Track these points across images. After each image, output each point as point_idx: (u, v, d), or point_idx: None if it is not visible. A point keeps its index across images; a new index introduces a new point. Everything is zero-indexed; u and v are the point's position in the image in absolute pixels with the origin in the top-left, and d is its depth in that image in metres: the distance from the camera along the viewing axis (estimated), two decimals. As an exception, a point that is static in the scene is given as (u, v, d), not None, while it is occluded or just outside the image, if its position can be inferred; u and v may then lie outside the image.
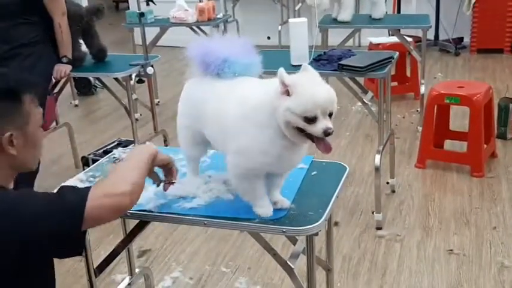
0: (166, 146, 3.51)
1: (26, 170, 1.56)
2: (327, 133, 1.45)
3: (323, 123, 1.44)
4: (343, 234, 3.11)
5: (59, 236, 1.37)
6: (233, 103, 1.57)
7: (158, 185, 1.70)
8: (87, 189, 1.43)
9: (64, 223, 1.37)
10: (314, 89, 1.46)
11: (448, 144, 4.02)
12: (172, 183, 1.68)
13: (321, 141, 1.48)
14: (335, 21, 4.51)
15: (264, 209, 1.62)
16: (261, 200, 1.63)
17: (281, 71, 1.47)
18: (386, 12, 4.65)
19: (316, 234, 1.63)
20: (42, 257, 1.44)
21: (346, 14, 4.43)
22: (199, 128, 1.72)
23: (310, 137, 1.48)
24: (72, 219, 1.38)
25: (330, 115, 1.47)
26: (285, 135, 1.48)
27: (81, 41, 3.85)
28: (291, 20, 3.24)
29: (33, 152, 1.56)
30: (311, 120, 1.44)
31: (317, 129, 1.44)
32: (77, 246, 1.45)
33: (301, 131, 1.47)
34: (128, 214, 1.71)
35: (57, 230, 1.36)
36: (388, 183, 3.54)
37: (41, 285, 1.51)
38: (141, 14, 3.87)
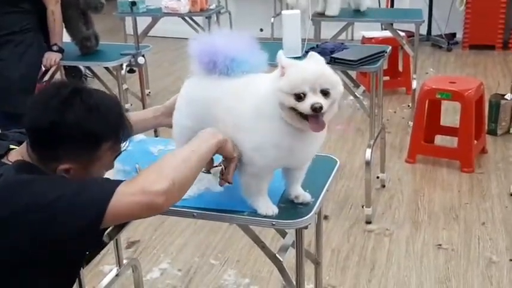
0: (157, 136, 3.49)
1: None
2: (314, 108, 1.39)
3: (311, 99, 1.40)
4: (332, 227, 3.11)
5: (76, 232, 1.33)
6: (247, 100, 1.53)
7: (207, 172, 1.62)
8: (118, 182, 1.37)
9: (82, 218, 1.32)
10: (305, 66, 1.44)
11: (439, 140, 4.03)
12: (229, 183, 1.57)
13: (314, 119, 1.42)
14: (323, 15, 4.48)
15: (268, 209, 1.59)
16: (263, 200, 1.60)
17: (280, 53, 1.44)
18: (379, 5, 4.62)
19: (306, 227, 1.62)
20: (55, 251, 1.40)
21: (333, 9, 4.40)
22: (204, 128, 1.64)
23: (305, 117, 1.43)
24: (91, 215, 1.32)
25: (326, 94, 1.42)
26: (290, 123, 1.45)
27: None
28: (284, 12, 3.22)
29: None
30: (300, 97, 1.41)
31: (305, 105, 1.40)
32: (93, 243, 1.45)
33: (296, 112, 1.42)
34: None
35: (73, 226, 1.32)
36: (378, 177, 3.54)
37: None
38: (133, 3, 3.85)
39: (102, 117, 1.45)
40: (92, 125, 1.43)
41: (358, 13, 4.51)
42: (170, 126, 1.83)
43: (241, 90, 1.56)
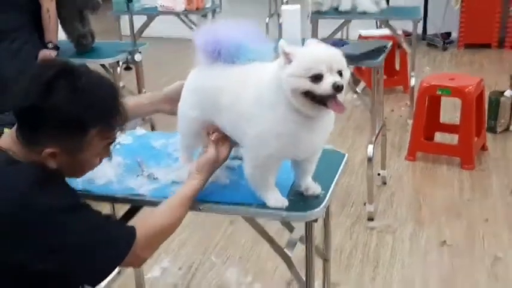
0: (153, 130, 3.44)
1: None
2: (336, 86, 1.33)
3: (331, 78, 1.35)
4: (334, 225, 3.05)
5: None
6: (251, 88, 1.48)
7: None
8: (132, 240, 1.43)
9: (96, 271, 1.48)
10: (315, 48, 1.41)
11: (438, 137, 4.00)
12: None
13: (333, 100, 1.37)
14: (329, 12, 4.44)
15: (278, 201, 1.54)
16: (272, 192, 1.55)
17: (282, 41, 1.40)
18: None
19: (316, 220, 1.58)
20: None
21: (345, 3, 4.38)
22: (209, 118, 1.62)
23: (321, 101, 1.38)
24: (103, 273, 1.49)
25: (340, 74, 1.38)
26: (297, 110, 1.40)
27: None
28: (283, 7, 3.16)
29: (77, 172, 1.50)
30: (317, 78, 1.35)
31: (325, 85, 1.34)
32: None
33: (310, 97, 1.37)
34: (119, 199, 1.65)
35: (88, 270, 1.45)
36: (379, 174, 3.51)
37: None
38: (129, 0, 3.80)
39: (89, 101, 1.37)
40: (75, 109, 1.35)
41: (355, 11, 4.48)
42: (168, 113, 1.81)
43: (245, 78, 1.53)
